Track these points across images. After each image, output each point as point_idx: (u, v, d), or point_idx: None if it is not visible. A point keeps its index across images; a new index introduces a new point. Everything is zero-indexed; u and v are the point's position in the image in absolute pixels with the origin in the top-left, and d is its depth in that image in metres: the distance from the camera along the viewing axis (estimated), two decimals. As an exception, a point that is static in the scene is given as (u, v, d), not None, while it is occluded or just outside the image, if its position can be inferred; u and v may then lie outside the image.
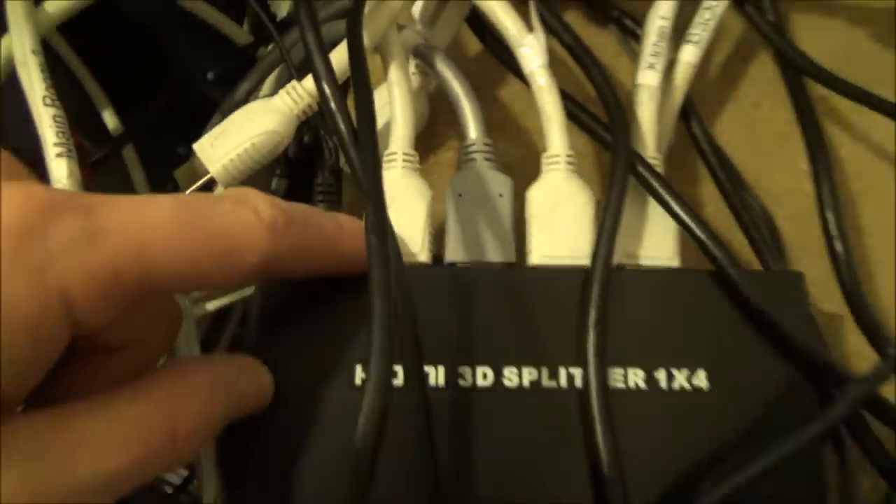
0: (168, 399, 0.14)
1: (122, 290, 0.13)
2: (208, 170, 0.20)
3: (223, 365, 0.17)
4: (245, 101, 0.26)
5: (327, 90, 0.18)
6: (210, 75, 0.36)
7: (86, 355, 0.15)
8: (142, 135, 0.35)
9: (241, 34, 0.35)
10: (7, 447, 0.12)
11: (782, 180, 0.27)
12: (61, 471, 0.12)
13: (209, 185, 0.21)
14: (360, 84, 0.18)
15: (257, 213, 0.15)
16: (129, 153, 0.35)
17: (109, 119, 0.34)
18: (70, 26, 0.27)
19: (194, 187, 0.20)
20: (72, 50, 0.31)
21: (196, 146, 0.21)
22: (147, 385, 0.14)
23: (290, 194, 0.38)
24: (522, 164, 0.28)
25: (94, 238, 0.13)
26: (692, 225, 0.21)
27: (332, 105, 0.18)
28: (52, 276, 0.12)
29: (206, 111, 0.26)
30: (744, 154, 0.28)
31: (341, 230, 0.18)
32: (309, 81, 0.22)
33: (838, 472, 0.22)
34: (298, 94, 0.21)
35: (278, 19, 0.35)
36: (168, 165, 0.37)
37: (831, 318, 0.26)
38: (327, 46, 0.19)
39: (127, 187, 0.35)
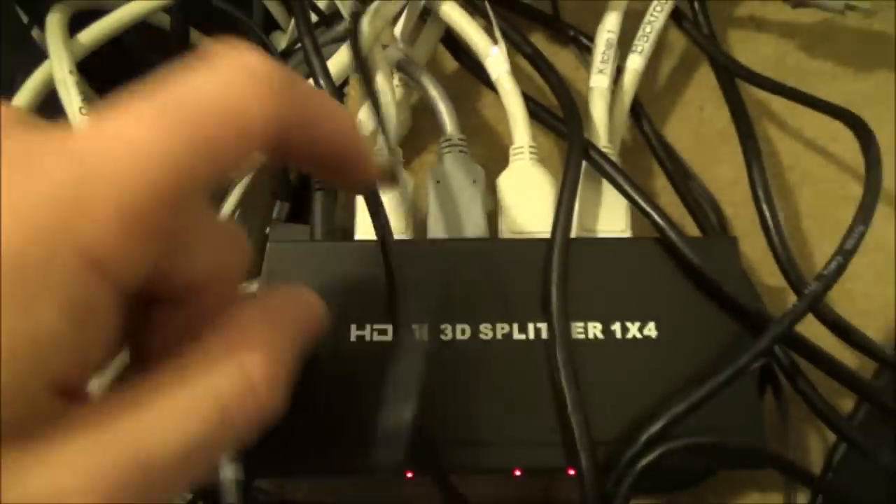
0: (232, 352, 0.13)
1: (143, 223, 0.12)
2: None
3: (277, 300, 0.16)
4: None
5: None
6: None
7: (166, 309, 0.14)
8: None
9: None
10: (77, 436, 0.11)
11: (726, 173, 0.31)
12: (136, 453, 0.12)
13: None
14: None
15: (252, 73, 0.13)
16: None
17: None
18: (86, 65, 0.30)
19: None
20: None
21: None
22: (207, 343, 0.13)
23: (293, 219, 0.41)
24: (495, 163, 0.31)
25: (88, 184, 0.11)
26: (639, 199, 0.24)
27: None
28: (63, 241, 0.11)
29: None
30: (691, 151, 0.31)
31: (355, 127, 0.16)
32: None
33: (780, 419, 0.25)
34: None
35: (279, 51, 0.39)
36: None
37: (775, 290, 0.29)
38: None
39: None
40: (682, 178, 0.29)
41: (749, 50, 0.33)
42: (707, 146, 0.31)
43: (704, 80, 0.32)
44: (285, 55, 0.35)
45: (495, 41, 0.27)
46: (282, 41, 0.38)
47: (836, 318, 0.23)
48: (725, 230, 0.29)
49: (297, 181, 0.37)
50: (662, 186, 0.30)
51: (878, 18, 0.32)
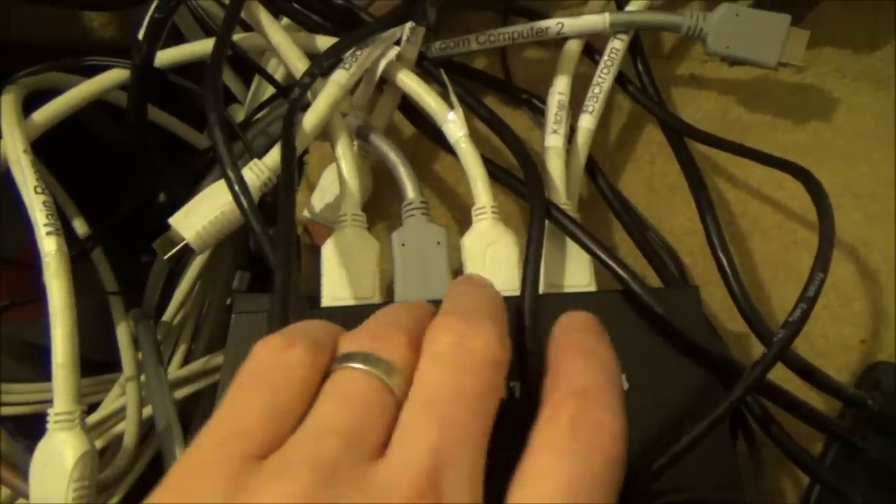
0: None
1: None
2: (184, 237, 0.24)
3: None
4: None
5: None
6: (161, 197, 0.39)
7: None
8: (108, 240, 0.38)
9: (200, 139, 0.39)
10: None
11: (681, 223, 0.32)
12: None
13: (185, 251, 0.24)
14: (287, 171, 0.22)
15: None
16: (97, 256, 0.37)
17: (79, 225, 0.36)
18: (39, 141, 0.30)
19: (172, 252, 0.23)
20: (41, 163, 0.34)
21: (172, 220, 0.24)
22: None
23: (254, 288, 0.41)
24: (458, 224, 0.32)
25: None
26: (602, 254, 0.25)
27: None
28: None
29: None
30: (646, 204, 0.32)
31: None
32: (268, 158, 0.25)
33: (753, 465, 0.25)
34: (259, 169, 0.25)
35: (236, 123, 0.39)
36: (135, 269, 0.39)
37: (737, 336, 0.30)
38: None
39: (96, 287, 0.37)
40: (639, 229, 0.29)
41: (692, 107, 0.34)
42: (661, 199, 0.32)
43: (653, 136, 0.33)
44: (242, 127, 0.35)
45: (451, 106, 0.27)
46: (240, 114, 0.39)
47: (803, 363, 0.23)
48: (686, 279, 0.30)
49: (257, 250, 0.37)
50: (621, 238, 0.31)
51: (809, 73, 0.34)
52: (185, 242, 0.24)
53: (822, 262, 0.21)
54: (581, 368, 0.17)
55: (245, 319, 0.24)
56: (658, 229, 0.31)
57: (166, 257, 0.23)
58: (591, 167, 0.31)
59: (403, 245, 0.25)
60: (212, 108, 0.24)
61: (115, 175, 0.42)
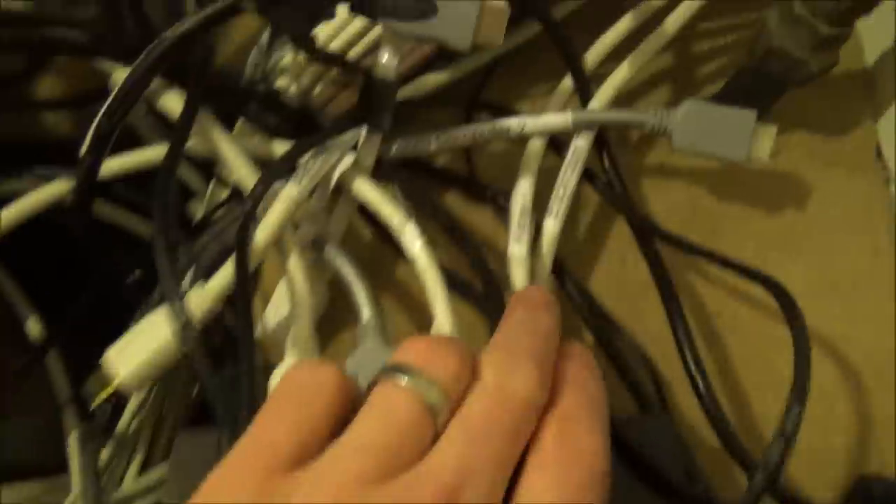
0: None
1: None
2: (117, 376, 0.22)
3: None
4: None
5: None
6: (130, 278, 0.38)
7: None
8: (64, 343, 0.36)
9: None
10: None
11: (654, 324, 0.31)
12: None
13: (118, 393, 0.22)
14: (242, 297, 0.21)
15: None
16: (52, 361, 0.35)
17: (33, 327, 0.35)
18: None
19: (102, 396, 0.22)
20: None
21: (104, 358, 0.23)
22: None
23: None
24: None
25: None
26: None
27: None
28: None
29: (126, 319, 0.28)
30: (616, 304, 0.31)
31: None
32: (212, 283, 0.24)
33: None
34: (198, 299, 0.24)
35: (194, 222, 0.38)
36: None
37: (717, 451, 0.28)
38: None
39: (49, 398, 0.35)
40: (610, 339, 0.28)
41: (662, 197, 0.33)
42: (633, 298, 0.31)
43: (623, 231, 0.32)
44: (200, 228, 0.34)
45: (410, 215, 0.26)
46: (199, 210, 0.38)
47: (789, 495, 0.22)
48: (661, 394, 0.28)
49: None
50: (591, 345, 0.30)
51: (781, 157, 0.34)
52: (116, 384, 0.22)
53: (798, 394, 0.20)
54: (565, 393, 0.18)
55: (188, 459, 0.22)
56: (631, 333, 0.30)
57: (95, 404, 0.22)
58: (558, 270, 0.29)
59: (357, 374, 0.24)
60: (159, 233, 0.23)
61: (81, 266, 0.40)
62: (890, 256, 0.32)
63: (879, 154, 0.34)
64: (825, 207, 0.33)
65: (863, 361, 0.30)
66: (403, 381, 0.17)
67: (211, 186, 0.36)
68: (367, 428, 0.16)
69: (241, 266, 0.24)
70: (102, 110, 0.23)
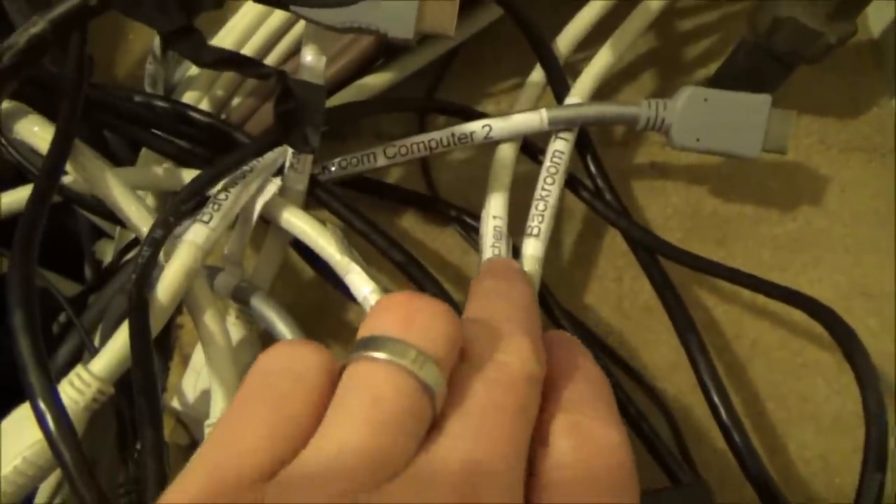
0: None
1: None
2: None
3: None
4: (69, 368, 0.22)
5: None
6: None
7: None
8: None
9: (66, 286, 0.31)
10: None
11: (664, 355, 0.26)
12: None
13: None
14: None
15: None
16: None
17: None
18: None
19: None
20: None
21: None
22: None
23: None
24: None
25: None
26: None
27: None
28: None
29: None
30: (617, 332, 0.26)
31: None
32: (98, 363, 0.18)
33: None
34: (84, 382, 0.18)
35: (104, 265, 0.32)
36: None
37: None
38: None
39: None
40: (614, 377, 0.23)
41: (658, 202, 0.28)
42: (635, 325, 0.26)
43: (617, 244, 0.27)
44: (110, 271, 0.28)
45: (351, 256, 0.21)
46: (108, 251, 0.32)
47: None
48: (683, 446, 0.23)
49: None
50: (592, 387, 0.25)
51: (791, 147, 0.29)
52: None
53: (875, 457, 0.15)
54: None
55: None
56: (637, 366, 0.25)
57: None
58: (545, 297, 0.24)
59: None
60: (17, 306, 0.17)
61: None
62: (926, 253, 0.27)
63: (899, 135, 0.30)
64: (846, 201, 0.28)
65: (911, 382, 0.25)
66: (384, 354, 0.13)
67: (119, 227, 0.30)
68: (349, 422, 0.13)
69: (140, 335, 0.18)
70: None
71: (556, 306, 0.24)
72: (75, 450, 0.16)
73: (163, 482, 0.17)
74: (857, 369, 0.17)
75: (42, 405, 0.17)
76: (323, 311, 0.26)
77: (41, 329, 0.17)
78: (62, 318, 0.32)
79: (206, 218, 0.20)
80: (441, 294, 0.21)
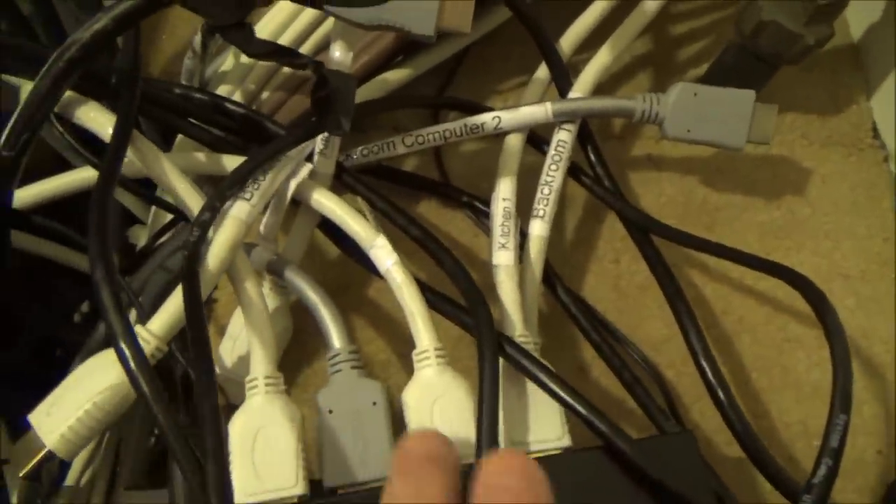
0: None
1: None
2: (44, 444, 0.18)
3: None
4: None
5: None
6: (77, 317, 0.34)
7: None
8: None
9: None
10: None
11: (656, 328, 0.28)
12: None
13: (49, 460, 0.18)
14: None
15: None
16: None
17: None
18: None
19: (28, 467, 0.18)
20: None
21: (32, 417, 0.19)
22: None
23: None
24: (399, 360, 0.27)
25: None
26: (572, 402, 0.20)
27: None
28: None
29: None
30: (614, 309, 0.28)
31: None
32: (155, 323, 0.21)
33: None
34: (144, 339, 0.20)
35: (138, 248, 0.34)
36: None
37: (738, 462, 0.25)
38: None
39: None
40: (612, 348, 0.25)
41: (653, 191, 0.30)
42: (631, 302, 0.28)
43: (616, 229, 0.29)
44: (143, 254, 0.30)
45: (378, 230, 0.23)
46: (142, 236, 0.34)
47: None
48: (673, 407, 0.25)
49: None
50: (593, 357, 0.27)
51: (775, 142, 0.31)
52: (45, 452, 0.18)
53: (842, 400, 0.17)
54: None
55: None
56: (633, 340, 0.27)
57: (22, 475, 0.18)
58: (549, 275, 0.26)
59: (331, 412, 0.21)
60: (98, 261, 0.19)
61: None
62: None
63: (876, 131, 0.32)
64: (826, 191, 0.31)
65: (885, 355, 0.28)
66: None
67: (153, 211, 0.33)
68: None
69: (193, 300, 0.20)
70: (6, 132, 0.20)
71: (560, 287, 0.27)
72: (153, 382, 0.18)
73: (216, 422, 0.19)
74: (826, 324, 0.19)
75: (123, 345, 0.19)
76: (346, 287, 0.28)
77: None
78: (84, 308, 0.35)
79: (247, 196, 0.22)
80: (455, 264, 0.23)
